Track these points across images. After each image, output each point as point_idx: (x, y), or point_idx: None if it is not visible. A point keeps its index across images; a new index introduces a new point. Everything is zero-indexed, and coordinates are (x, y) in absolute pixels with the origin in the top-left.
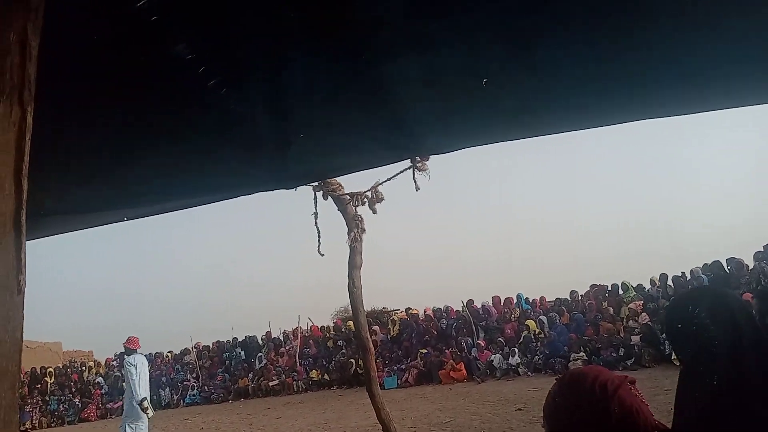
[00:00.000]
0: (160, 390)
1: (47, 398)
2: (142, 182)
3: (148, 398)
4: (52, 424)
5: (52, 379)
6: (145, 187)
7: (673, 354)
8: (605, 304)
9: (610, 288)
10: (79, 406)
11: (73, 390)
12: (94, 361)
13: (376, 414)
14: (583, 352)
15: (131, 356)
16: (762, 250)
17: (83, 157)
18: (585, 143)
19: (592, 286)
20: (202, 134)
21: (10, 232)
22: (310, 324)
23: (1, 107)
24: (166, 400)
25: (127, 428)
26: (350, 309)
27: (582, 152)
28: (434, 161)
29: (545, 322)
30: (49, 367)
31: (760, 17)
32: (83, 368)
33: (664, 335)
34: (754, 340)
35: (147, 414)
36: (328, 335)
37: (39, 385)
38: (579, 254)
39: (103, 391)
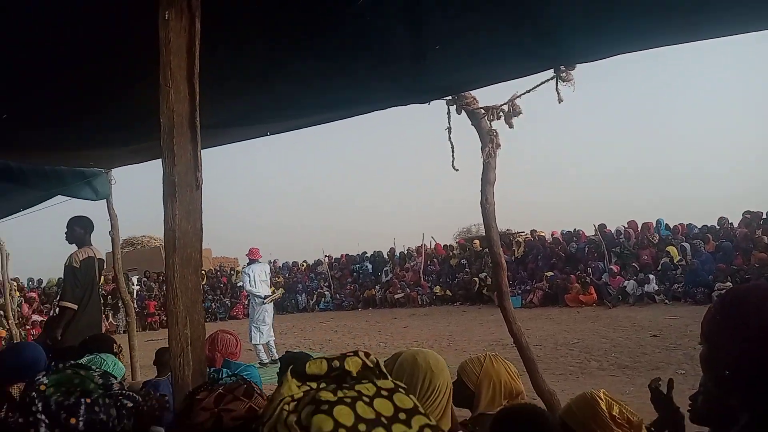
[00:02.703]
0: (297, 295)
1: (202, 298)
2: (283, 98)
3: (264, 296)
4: (207, 320)
5: (205, 281)
6: (286, 103)
7: None
8: (759, 232)
9: (765, 216)
10: (229, 305)
11: (223, 291)
12: (240, 267)
13: (508, 327)
14: (730, 282)
15: (249, 266)
16: None
17: (233, 73)
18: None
19: (745, 213)
20: (339, 49)
21: (187, 132)
22: (434, 242)
23: (173, 12)
24: (303, 305)
25: (253, 329)
26: (472, 230)
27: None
28: (579, 71)
29: (688, 249)
30: (202, 271)
31: None
32: (231, 272)
33: None
34: None
35: (263, 300)
36: (451, 253)
37: None
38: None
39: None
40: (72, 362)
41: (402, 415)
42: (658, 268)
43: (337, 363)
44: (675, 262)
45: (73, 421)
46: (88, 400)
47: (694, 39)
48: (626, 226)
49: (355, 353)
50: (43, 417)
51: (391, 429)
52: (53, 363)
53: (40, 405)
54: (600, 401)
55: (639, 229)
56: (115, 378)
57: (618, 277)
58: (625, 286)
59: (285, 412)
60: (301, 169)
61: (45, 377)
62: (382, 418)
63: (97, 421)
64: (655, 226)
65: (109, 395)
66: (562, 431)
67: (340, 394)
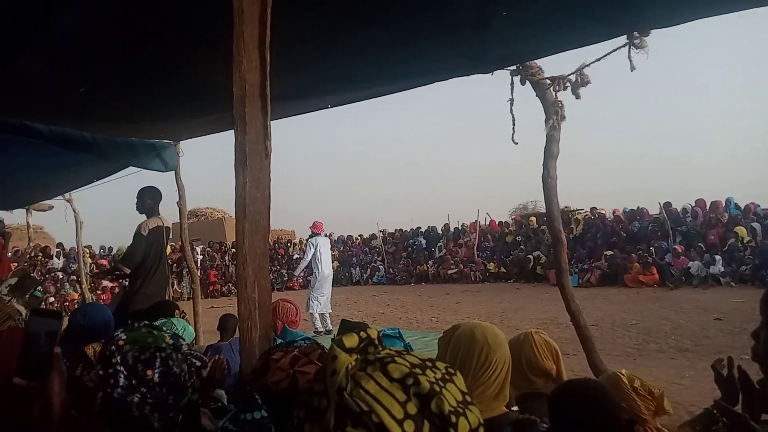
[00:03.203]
0: (352, 269)
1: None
2: (344, 70)
3: (332, 273)
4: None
5: None
6: (347, 75)
7: None
8: None
9: None
10: (285, 276)
11: (281, 263)
12: (299, 240)
13: (566, 305)
14: None
15: (313, 238)
16: None
17: (297, 45)
18: None
19: None
20: (401, 18)
21: (258, 102)
22: (488, 219)
23: None
24: (357, 278)
25: (312, 299)
26: (528, 207)
27: None
28: (653, 38)
29: (758, 229)
30: None
31: None
32: (288, 245)
33: None
34: None
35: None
36: (506, 230)
37: None
38: None
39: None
40: (146, 322)
41: (429, 363)
42: (725, 249)
43: (364, 334)
44: (744, 242)
45: (149, 372)
46: (163, 355)
47: None
48: (693, 204)
49: (369, 327)
50: (121, 369)
51: (426, 372)
52: (128, 322)
53: (119, 358)
54: (621, 376)
55: (707, 207)
56: (184, 340)
57: (682, 257)
58: (689, 267)
59: (353, 377)
60: (357, 142)
61: (123, 333)
62: (421, 365)
63: (170, 374)
64: (724, 205)
65: (180, 353)
66: None
67: (382, 354)
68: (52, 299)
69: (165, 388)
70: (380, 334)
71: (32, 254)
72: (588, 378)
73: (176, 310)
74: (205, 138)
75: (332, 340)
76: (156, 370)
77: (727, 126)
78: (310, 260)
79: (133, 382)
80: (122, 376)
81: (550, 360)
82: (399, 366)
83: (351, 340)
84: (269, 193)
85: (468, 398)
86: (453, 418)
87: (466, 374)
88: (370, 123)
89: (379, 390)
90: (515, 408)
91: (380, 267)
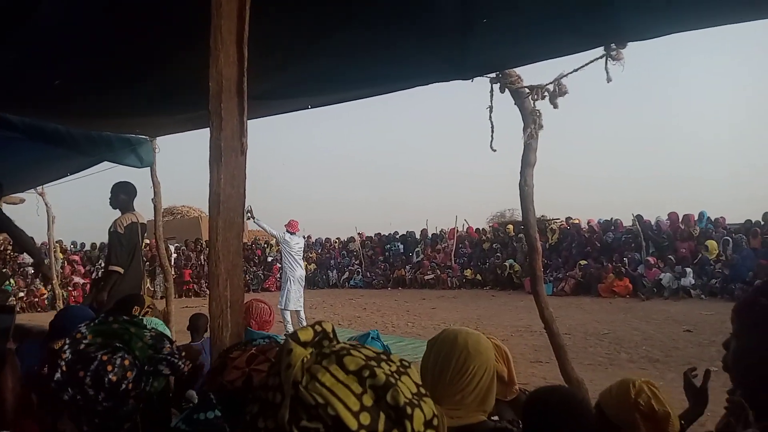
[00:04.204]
0: (329, 271)
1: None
2: (324, 70)
3: (303, 275)
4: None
5: None
6: (327, 76)
7: None
8: None
9: None
10: (262, 277)
11: (257, 264)
12: (275, 242)
13: (540, 312)
14: None
15: (289, 234)
16: None
17: (277, 45)
18: None
19: None
20: (382, 21)
21: (234, 97)
22: (466, 225)
23: None
24: (334, 281)
25: (283, 296)
26: (506, 215)
27: None
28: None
29: (730, 243)
30: None
31: None
32: (265, 245)
33: None
34: None
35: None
36: (484, 237)
37: None
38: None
39: (280, 266)
40: (125, 317)
41: (383, 356)
42: (696, 262)
43: (318, 327)
44: (715, 256)
45: (81, 374)
46: (105, 357)
47: (758, 17)
48: (666, 217)
49: (323, 321)
50: (62, 363)
51: (381, 365)
52: (103, 315)
53: (67, 351)
54: (632, 387)
55: (680, 220)
56: (170, 342)
57: (654, 269)
58: (661, 279)
59: (308, 370)
60: (336, 145)
61: (85, 327)
62: (375, 357)
63: (104, 380)
64: (697, 218)
65: (149, 357)
66: (595, 415)
67: (337, 347)
68: (21, 294)
69: (100, 393)
70: (334, 329)
71: (1, 248)
72: (560, 385)
73: (139, 306)
74: (183, 136)
75: (285, 334)
76: (89, 373)
77: (702, 139)
78: (284, 261)
79: (67, 379)
80: (60, 371)
81: (501, 363)
82: (355, 358)
83: (306, 334)
84: (244, 190)
85: (422, 390)
86: (408, 410)
87: (444, 377)
88: (350, 125)
89: (335, 382)
90: (495, 417)
91: (358, 270)
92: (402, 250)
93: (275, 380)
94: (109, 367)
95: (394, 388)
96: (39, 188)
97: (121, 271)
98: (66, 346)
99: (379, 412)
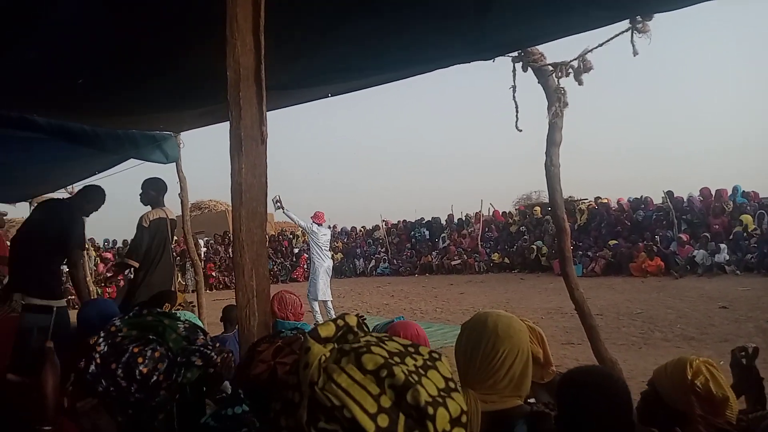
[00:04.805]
0: (356, 260)
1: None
2: (343, 58)
3: (331, 265)
4: (270, 281)
5: (267, 244)
6: (345, 63)
7: None
8: None
9: None
10: (290, 268)
11: (285, 254)
12: (301, 232)
13: (570, 294)
14: None
15: (316, 226)
16: None
17: (292, 32)
18: None
19: None
20: (399, 5)
21: (253, 86)
22: (492, 209)
23: None
24: (361, 269)
25: (312, 285)
26: (532, 197)
27: None
28: (656, 22)
29: (765, 217)
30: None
31: None
32: (292, 237)
33: None
34: None
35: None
36: (510, 221)
37: None
38: None
39: (307, 257)
40: (158, 310)
41: (411, 349)
42: (730, 237)
43: (341, 322)
44: (749, 231)
45: (113, 366)
46: (136, 350)
47: None
48: (698, 193)
49: (346, 314)
50: (97, 355)
51: (405, 360)
52: (137, 308)
53: (102, 344)
54: (689, 368)
55: (713, 196)
56: (204, 334)
57: (687, 246)
58: (694, 256)
59: (326, 369)
60: (357, 133)
61: (120, 320)
62: (400, 352)
63: (135, 371)
64: (730, 193)
65: (182, 349)
66: (648, 395)
67: (361, 342)
68: None
69: (132, 385)
70: (361, 320)
71: None
72: (595, 365)
73: (170, 303)
74: (208, 130)
75: (315, 323)
76: (120, 365)
77: (732, 113)
78: (312, 252)
79: (101, 371)
80: (94, 363)
81: (536, 344)
82: (374, 356)
83: (327, 330)
84: (266, 179)
85: (451, 385)
86: (430, 410)
87: (474, 362)
88: (371, 112)
89: (351, 383)
90: (532, 400)
91: (384, 258)
92: (428, 236)
93: (294, 379)
94: (140, 359)
95: (415, 387)
96: (69, 187)
97: (136, 264)
98: (101, 339)
99: (398, 413)
